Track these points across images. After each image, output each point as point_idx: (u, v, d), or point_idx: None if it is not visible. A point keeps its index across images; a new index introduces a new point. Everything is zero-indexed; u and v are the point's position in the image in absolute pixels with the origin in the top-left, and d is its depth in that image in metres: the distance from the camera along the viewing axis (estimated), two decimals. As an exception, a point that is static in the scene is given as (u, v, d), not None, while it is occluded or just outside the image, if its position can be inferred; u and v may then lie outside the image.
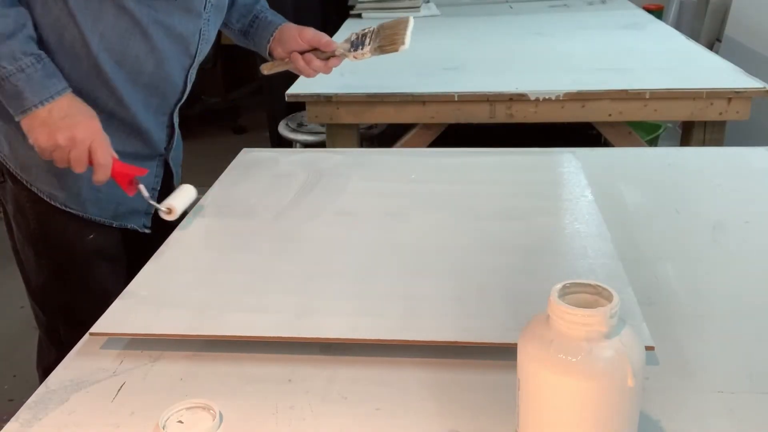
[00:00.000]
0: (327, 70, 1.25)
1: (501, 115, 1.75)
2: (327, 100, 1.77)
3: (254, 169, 1.27)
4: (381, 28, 1.23)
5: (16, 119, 1.01)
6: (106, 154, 1.01)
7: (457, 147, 1.32)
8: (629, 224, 1.04)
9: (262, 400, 0.72)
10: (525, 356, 0.56)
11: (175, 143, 1.25)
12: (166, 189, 1.20)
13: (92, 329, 0.81)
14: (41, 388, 0.75)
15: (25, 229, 1.14)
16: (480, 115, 1.75)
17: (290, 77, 1.86)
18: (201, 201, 1.16)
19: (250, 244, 1.00)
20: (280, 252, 0.97)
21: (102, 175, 1.02)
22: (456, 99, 1.73)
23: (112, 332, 0.81)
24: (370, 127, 2.53)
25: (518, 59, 2.02)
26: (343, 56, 1.24)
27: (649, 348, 0.72)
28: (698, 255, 0.97)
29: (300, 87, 1.83)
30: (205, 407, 0.69)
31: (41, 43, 1.04)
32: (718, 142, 1.79)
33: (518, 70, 1.91)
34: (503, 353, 0.74)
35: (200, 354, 0.80)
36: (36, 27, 1.03)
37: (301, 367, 0.77)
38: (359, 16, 2.66)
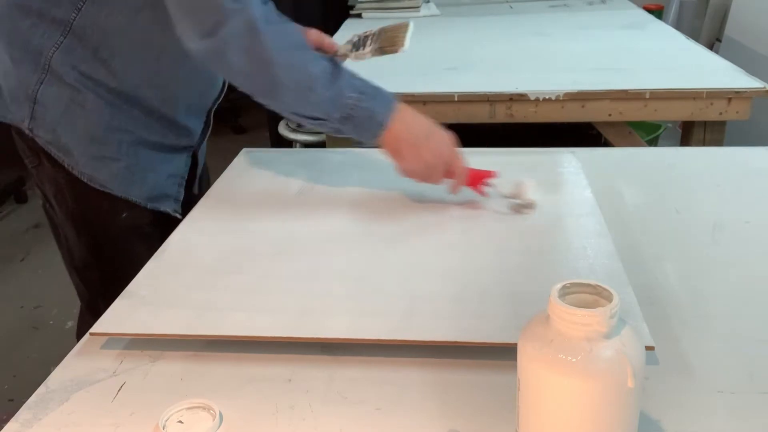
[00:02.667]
0: None
1: (501, 115, 1.75)
2: (327, 100, 1.76)
3: (254, 169, 1.27)
4: (382, 30, 1.26)
5: (372, 144, 1.05)
6: (464, 165, 1.06)
7: (457, 147, 1.32)
8: (629, 224, 1.04)
9: (262, 400, 0.72)
10: (525, 356, 0.56)
11: (207, 136, 1.31)
12: (191, 177, 1.29)
13: (92, 329, 0.81)
14: (41, 388, 0.75)
15: (64, 208, 1.20)
16: (480, 115, 1.75)
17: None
18: (201, 201, 1.16)
19: (250, 244, 1.00)
20: (280, 252, 0.97)
21: (461, 184, 1.07)
22: (456, 99, 1.73)
23: (112, 332, 0.81)
24: (370, 127, 2.53)
25: (518, 59, 2.02)
26: (344, 56, 1.26)
27: (649, 348, 0.72)
28: (698, 255, 0.97)
29: (300, 87, 1.82)
30: (205, 407, 0.69)
31: (106, 45, 1.09)
32: (718, 142, 1.79)
33: (518, 70, 1.91)
34: (503, 353, 0.74)
35: (200, 354, 0.80)
36: (106, 29, 1.08)
37: (301, 367, 0.77)
38: (359, 16, 2.66)
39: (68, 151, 1.14)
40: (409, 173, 1.06)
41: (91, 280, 1.26)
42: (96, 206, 1.18)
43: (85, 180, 1.15)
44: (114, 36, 1.09)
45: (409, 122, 1.04)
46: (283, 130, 2.74)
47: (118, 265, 1.19)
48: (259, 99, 1.06)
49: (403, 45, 1.20)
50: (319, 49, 1.25)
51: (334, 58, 1.06)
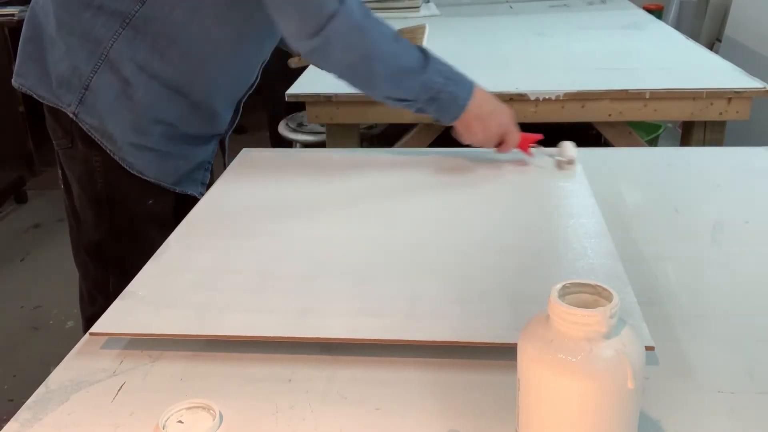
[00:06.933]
0: None
1: (501, 115, 1.75)
2: (327, 100, 1.77)
3: (254, 169, 1.27)
4: (400, 32, 1.31)
5: (449, 124, 1.18)
6: (517, 134, 1.21)
7: (457, 147, 1.32)
8: (629, 224, 1.04)
9: (262, 400, 0.72)
10: (525, 356, 0.56)
11: (234, 125, 1.38)
12: (216, 163, 1.36)
13: (92, 329, 0.81)
14: (41, 388, 0.75)
15: (90, 191, 1.25)
16: (480, 115, 1.75)
17: (290, 77, 1.87)
18: (201, 201, 1.16)
19: (250, 244, 1.00)
20: (280, 252, 0.97)
21: (512, 146, 1.22)
22: (456, 99, 1.73)
23: (112, 332, 0.81)
24: (370, 127, 2.53)
25: (518, 59, 2.02)
26: None
27: (649, 348, 0.72)
28: (698, 255, 0.97)
29: (300, 87, 1.83)
30: (205, 407, 0.69)
31: (165, 36, 1.14)
32: (718, 142, 1.79)
33: (518, 70, 1.91)
34: (503, 353, 0.74)
35: (200, 354, 0.80)
36: (167, 22, 1.13)
37: (301, 367, 0.77)
38: (359, 16, 2.66)
39: (111, 137, 1.19)
40: (472, 141, 1.20)
41: (103, 261, 1.31)
42: (126, 191, 1.24)
43: (125, 166, 1.21)
44: (174, 28, 1.14)
45: (480, 103, 1.17)
46: (283, 130, 2.74)
47: (131, 249, 1.25)
48: (356, 87, 1.16)
49: (420, 45, 1.26)
50: None
51: (422, 47, 1.15)
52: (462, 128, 1.19)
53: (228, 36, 1.19)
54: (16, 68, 1.24)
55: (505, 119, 1.19)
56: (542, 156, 1.25)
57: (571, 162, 1.21)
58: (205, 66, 1.20)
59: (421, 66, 1.13)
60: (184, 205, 1.28)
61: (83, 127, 1.19)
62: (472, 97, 1.16)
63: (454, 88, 1.15)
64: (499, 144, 1.21)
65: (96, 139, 1.19)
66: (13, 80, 1.25)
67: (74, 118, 1.18)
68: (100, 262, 1.31)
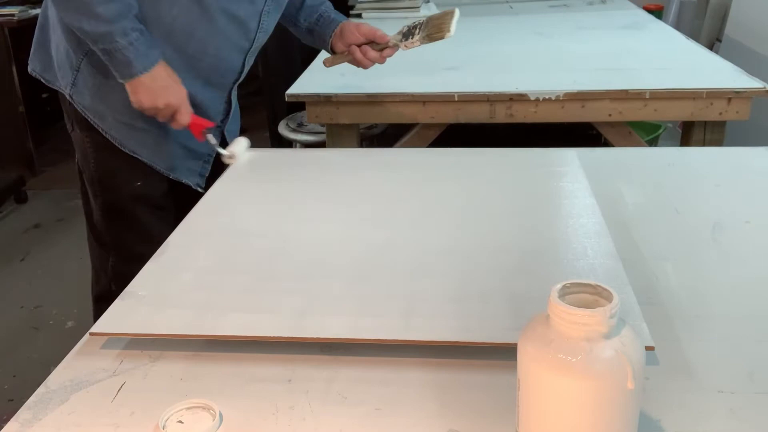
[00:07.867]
0: (382, 60, 1.45)
1: (501, 115, 1.75)
2: (327, 100, 1.77)
3: (254, 169, 1.27)
4: (429, 19, 1.38)
5: (121, 81, 1.23)
6: (187, 115, 1.27)
7: (457, 147, 1.32)
8: (629, 224, 1.04)
9: (262, 400, 0.72)
10: (525, 356, 0.56)
11: (231, 117, 1.43)
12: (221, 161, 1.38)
13: (92, 329, 0.81)
14: (41, 388, 0.75)
15: (87, 172, 1.36)
16: (480, 115, 1.75)
17: (290, 77, 1.87)
18: (201, 201, 1.16)
19: (250, 244, 1.00)
20: (280, 252, 0.97)
21: (179, 127, 1.28)
22: (456, 99, 1.73)
23: (112, 332, 0.81)
24: (370, 127, 2.53)
25: (518, 59, 2.02)
26: (395, 46, 1.41)
27: (649, 348, 0.72)
28: (698, 255, 0.97)
29: (300, 87, 1.83)
30: (205, 407, 0.69)
31: None
32: (718, 142, 1.79)
33: (518, 70, 1.91)
34: (503, 353, 0.74)
35: (200, 354, 0.80)
36: None
37: (301, 367, 0.77)
38: (359, 16, 2.66)
39: (103, 116, 1.29)
40: (137, 106, 1.25)
41: (104, 239, 1.38)
42: (113, 172, 1.32)
43: (117, 144, 1.30)
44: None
45: (156, 77, 1.23)
46: (283, 130, 2.74)
47: (127, 230, 1.34)
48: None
49: (449, 31, 1.31)
50: (371, 41, 1.42)
51: (133, 6, 1.20)
52: (131, 92, 1.23)
53: (179, 18, 1.25)
54: (30, 55, 1.34)
55: (174, 99, 1.25)
56: (212, 145, 1.32)
57: (231, 157, 1.28)
58: (166, 49, 1.26)
59: (109, 20, 1.17)
60: (182, 191, 1.33)
61: (77, 107, 1.27)
62: (148, 72, 1.21)
63: (132, 55, 1.19)
64: (170, 120, 1.28)
65: (89, 119, 1.27)
66: (28, 66, 1.34)
67: (70, 100, 1.27)
68: (99, 241, 1.38)
